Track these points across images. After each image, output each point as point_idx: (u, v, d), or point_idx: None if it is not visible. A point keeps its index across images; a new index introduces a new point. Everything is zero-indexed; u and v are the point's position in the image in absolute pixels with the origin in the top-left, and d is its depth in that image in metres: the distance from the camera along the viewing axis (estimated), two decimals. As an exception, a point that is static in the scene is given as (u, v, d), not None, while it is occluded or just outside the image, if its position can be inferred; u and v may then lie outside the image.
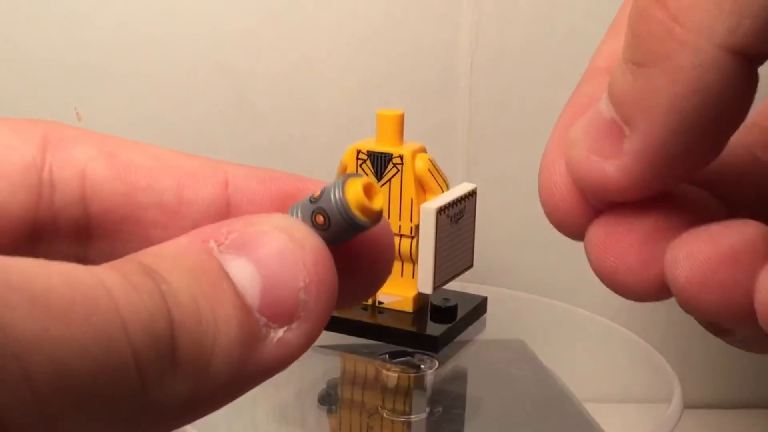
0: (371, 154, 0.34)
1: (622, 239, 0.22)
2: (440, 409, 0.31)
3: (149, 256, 0.19)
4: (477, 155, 0.49)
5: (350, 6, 0.47)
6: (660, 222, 0.22)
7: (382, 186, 0.33)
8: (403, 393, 0.36)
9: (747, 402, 0.55)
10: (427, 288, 0.33)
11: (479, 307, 0.39)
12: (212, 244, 0.20)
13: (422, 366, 0.36)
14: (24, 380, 0.15)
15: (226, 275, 0.20)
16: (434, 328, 0.36)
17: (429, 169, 0.34)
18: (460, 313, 0.37)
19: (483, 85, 0.49)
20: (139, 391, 0.17)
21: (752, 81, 0.19)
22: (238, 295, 0.20)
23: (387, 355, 0.37)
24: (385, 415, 0.34)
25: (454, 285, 0.37)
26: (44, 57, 0.47)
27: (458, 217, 0.34)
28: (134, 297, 0.17)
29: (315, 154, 0.48)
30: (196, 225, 0.21)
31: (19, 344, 0.15)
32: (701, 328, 0.51)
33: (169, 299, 0.18)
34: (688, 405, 0.31)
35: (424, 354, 0.36)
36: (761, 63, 0.19)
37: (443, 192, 0.34)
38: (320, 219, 0.20)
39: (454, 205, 0.34)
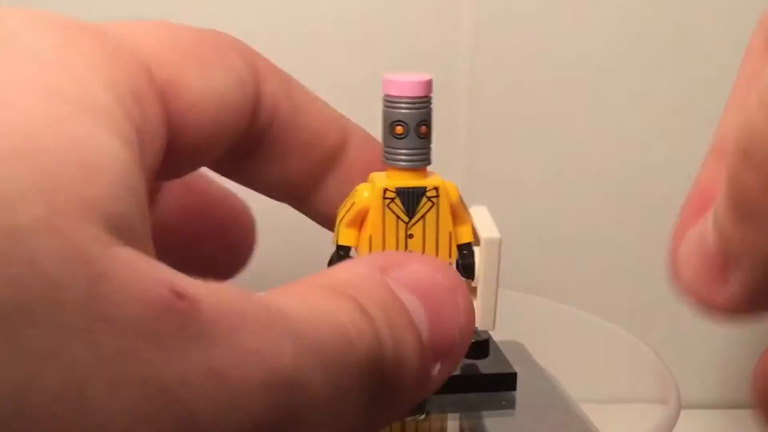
0: (401, 191, 0.28)
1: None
2: (437, 411, 0.31)
3: (346, 285, 0.21)
4: (477, 155, 0.49)
5: (349, 6, 0.47)
6: None
7: (416, 223, 0.29)
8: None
9: (747, 402, 0.55)
10: (489, 326, 0.30)
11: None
12: (388, 279, 0.22)
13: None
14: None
15: (408, 314, 0.22)
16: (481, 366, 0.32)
17: (460, 197, 0.30)
18: None
19: (483, 85, 0.49)
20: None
21: None
22: (418, 333, 0.22)
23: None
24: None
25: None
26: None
27: None
28: (366, 334, 0.20)
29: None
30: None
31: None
32: (701, 329, 0.51)
33: (379, 337, 0.20)
34: (688, 405, 0.31)
35: None
36: None
37: (469, 218, 0.30)
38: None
39: None
